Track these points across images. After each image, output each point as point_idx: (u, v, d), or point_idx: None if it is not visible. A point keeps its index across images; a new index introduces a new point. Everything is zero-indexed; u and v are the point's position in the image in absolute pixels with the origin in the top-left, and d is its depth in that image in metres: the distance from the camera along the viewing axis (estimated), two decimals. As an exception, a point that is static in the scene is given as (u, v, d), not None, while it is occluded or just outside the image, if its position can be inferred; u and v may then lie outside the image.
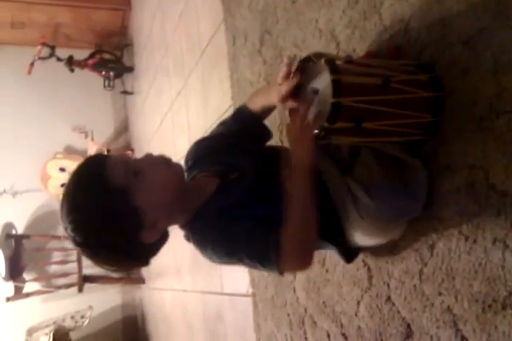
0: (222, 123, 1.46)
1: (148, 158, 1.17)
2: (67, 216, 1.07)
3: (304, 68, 1.16)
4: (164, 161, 1.17)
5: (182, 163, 1.37)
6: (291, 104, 1.17)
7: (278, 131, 1.94)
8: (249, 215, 1.15)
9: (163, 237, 1.19)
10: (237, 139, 1.40)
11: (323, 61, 1.09)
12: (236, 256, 1.13)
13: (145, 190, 1.09)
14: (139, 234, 1.10)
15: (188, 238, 1.23)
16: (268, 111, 1.39)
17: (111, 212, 1.07)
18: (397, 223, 1.25)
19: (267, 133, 1.46)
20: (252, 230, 1.11)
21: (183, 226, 1.24)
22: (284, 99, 1.17)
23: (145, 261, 1.20)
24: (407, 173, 1.20)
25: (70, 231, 1.07)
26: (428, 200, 1.20)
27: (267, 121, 1.44)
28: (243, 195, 1.20)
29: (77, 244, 1.09)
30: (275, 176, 1.21)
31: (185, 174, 1.35)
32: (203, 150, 1.40)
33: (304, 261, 1.10)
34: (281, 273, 1.10)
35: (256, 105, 1.37)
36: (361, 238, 1.24)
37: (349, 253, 1.34)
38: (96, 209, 1.06)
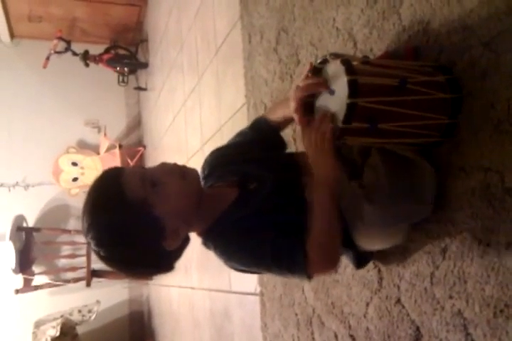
0: (240, 134, 1.48)
1: (163, 167, 1.18)
2: (88, 232, 1.09)
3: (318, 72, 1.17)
4: (179, 170, 1.17)
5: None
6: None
7: (291, 131, 1.94)
8: (271, 223, 1.16)
9: (185, 241, 1.20)
10: (253, 148, 1.41)
11: (339, 61, 1.08)
12: (264, 266, 1.16)
13: (164, 201, 1.10)
14: (162, 243, 1.12)
15: (207, 246, 1.23)
16: (287, 121, 1.40)
17: (133, 227, 1.08)
18: (398, 228, 1.24)
19: (282, 144, 1.49)
20: (276, 240, 1.12)
21: (200, 234, 1.24)
22: (297, 102, 1.17)
23: (170, 267, 1.21)
24: (415, 176, 1.19)
25: (93, 246, 1.09)
26: (441, 203, 1.19)
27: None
28: (263, 205, 1.21)
29: (101, 257, 1.11)
30: (295, 184, 1.22)
31: (202, 182, 1.36)
32: (220, 159, 1.41)
33: (330, 267, 1.14)
34: (310, 279, 1.12)
35: (276, 115, 1.40)
36: (364, 243, 1.23)
37: (360, 258, 1.35)
38: (118, 225, 1.08)
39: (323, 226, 1.09)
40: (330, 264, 1.12)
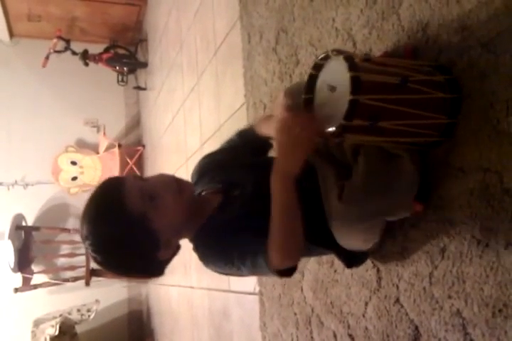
0: (228, 140, 1.53)
1: (161, 181, 1.22)
2: (87, 238, 1.13)
3: (314, 80, 1.17)
4: (176, 184, 1.21)
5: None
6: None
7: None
8: (249, 227, 1.19)
9: (176, 249, 1.26)
10: (239, 152, 1.47)
11: (342, 58, 1.08)
12: (234, 266, 1.18)
13: (161, 215, 1.15)
14: (156, 254, 1.18)
15: (195, 251, 1.29)
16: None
17: (131, 239, 1.13)
18: (369, 225, 1.24)
19: (268, 147, 1.50)
20: (247, 242, 1.16)
21: (190, 240, 1.30)
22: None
23: (161, 272, 1.26)
24: (394, 176, 1.17)
25: (90, 251, 1.14)
26: (440, 203, 1.20)
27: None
28: (241, 210, 1.26)
29: (98, 262, 1.16)
30: None
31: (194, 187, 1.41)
32: (207, 167, 1.47)
33: (290, 262, 1.14)
34: (278, 275, 1.13)
35: (261, 130, 1.42)
36: (341, 241, 1.25)
37: (350, 257, 1.35)
38: (116, 235, 1.12)
39: (279, 222, 1.09)
40: (288, 260, 1.13)
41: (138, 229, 1.12)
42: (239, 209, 1.26)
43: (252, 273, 1.21)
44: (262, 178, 1.26)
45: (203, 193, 1.38)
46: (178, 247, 1.26)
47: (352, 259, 1.38)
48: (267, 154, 1.52)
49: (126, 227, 1.12)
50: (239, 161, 1.43)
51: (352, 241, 1.28)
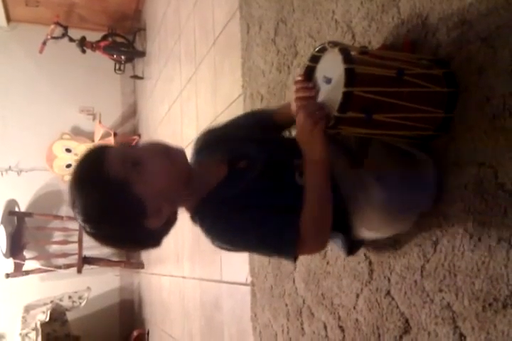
0: (241, 115, 1.51)
1: (148, 146, 1.19)
2: (74, 207, 1.12)
3: (312, 72, 1.18)
4: (164, 150, 1.17)
5: (189, 149, 1.38)
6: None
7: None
8: (260, 204, 1.17)
9: (172, 219, 1.21)
10: (250, 130, 1.42)
11: (337, 50, 1.08)
12: (250, 245, 1.18)
13: (145, 181, 1.11)
14: (145, 222, 1.13)
15: (194, 221, 1.23)
16: (290, 123, 1.40)
17: (113, 204, 1.10)
18: (406, 216, 1.23)
19: (280, 128, 1.48)
20: (264, 219, 1.14)
21: (188, 209, 1.24)
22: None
23: (156, 243, 1.22)
24: (416, 166, 1.20)
25: (80, 221, 1.12)
26: (435, 196, 1.20)
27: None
28: (252, 185, 1.21)
29: (87, 233, 1.14)
30: (286, 167, 1.23)
31: (194, 157, 1.37)
32: (215, 137, 1.41)
33: (321, 245, 1.16)
34: (295, 259, 1.15)
35: (281, 115, 1.41)
36: (367, 230, 1.24)
37: (351, 245, 1.34)
38: (99, 202, 1.09)
39: (315, 202, 1.11)
40: (320, 241, 1.14)
41: (119, 194, 1.09)
42: (248, 184, 1.21)
43: (267, 255, 1.20)
44: (276, 157, 1.26)
45: (206, 161, 1.33)
46: (173, 217, 1.21)
47: (352, 246, 1.36)
48: (279, 132, 1.48)
49: (107, 193, 1.09)
50: (247, 135, 1.38)
51: (383, 231, 1.27)
